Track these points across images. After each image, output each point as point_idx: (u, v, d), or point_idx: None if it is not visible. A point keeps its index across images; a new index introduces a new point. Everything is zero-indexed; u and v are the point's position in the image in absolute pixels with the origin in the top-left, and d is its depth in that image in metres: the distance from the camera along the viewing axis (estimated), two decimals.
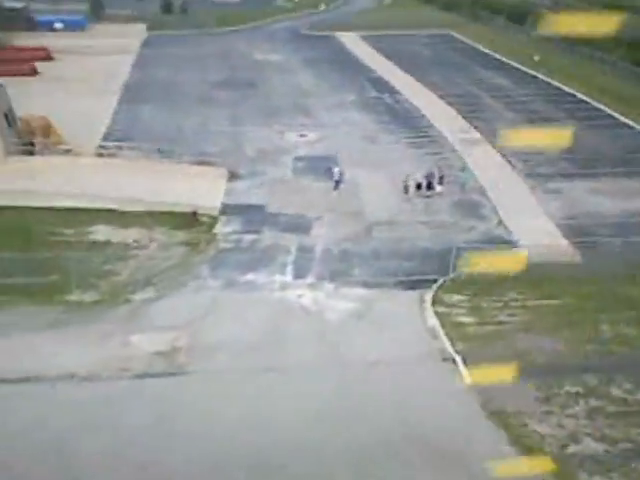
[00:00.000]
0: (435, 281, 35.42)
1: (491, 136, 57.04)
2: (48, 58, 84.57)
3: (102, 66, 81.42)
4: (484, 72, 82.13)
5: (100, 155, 50.96)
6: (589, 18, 10.91)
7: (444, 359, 29.09)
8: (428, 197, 46.20)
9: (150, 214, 42.53)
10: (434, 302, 33.58)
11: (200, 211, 42.92)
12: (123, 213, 42.63)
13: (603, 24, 10.37)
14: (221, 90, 72.95)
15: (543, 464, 22.09)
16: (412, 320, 32.12)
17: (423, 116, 64.07)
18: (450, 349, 29.65)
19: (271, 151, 54.49)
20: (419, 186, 46.57)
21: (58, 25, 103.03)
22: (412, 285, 35.23)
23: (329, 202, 45.26)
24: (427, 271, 36.44)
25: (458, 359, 28.84)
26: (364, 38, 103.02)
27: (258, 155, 53.56)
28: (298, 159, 52.94)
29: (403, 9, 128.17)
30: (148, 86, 73.91)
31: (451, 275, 35.86)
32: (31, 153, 50.54)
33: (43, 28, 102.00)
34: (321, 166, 50.16)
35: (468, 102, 68.19)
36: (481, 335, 30.66)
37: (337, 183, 47.08)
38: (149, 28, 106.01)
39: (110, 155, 50.97)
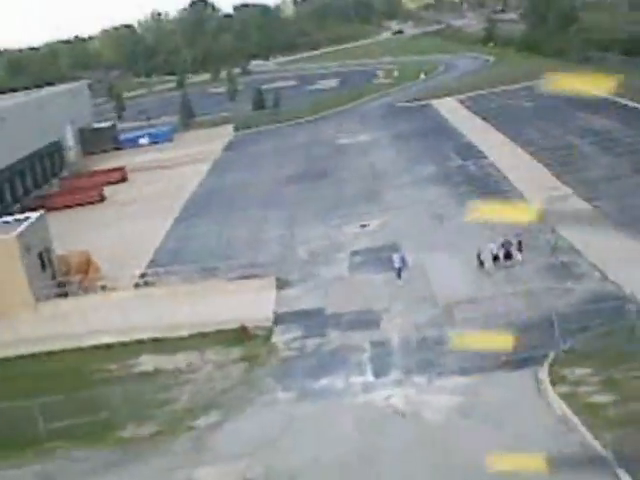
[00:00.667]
0: (545, 355, 29.36)
1: (582, 189, 51.36)
2: (123, 179, 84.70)
3: (174, 180, 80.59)
4: (586, 117, 75.36)
5: (137, 286, 47.81)
6: None
7: (593, 460, 22.36)
8: (508, 267, 41.26)
9: (198, 336, 39.03)
10: (553, 381, 27.51)
11: (251, 324, 38.91)
12: (168, 340, 39.46)
13: None
14: (290, 185, 69.86)
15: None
16: (533, 408, 26.51)
17: (505, 178, 58.62)
18: (597, 445, 23.03)
19: (325, 249, 50.35)
20: (496, 258, 41.70)
21: (143, 141, 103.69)
22: (519, 364, 29.33)
23: (394, 292, 40.96)
24: (532, 345, 29.85)
25: (613, 460, 21.97)
26: (462, 101, 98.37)
27: (311, 256, 49.51)
28: (355, 253, 48.55)
29: (508, 65, 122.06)
30: (213, 195, 71.98)
31: (564, 346, 29.70)
32: (66, 294, 48.03)
33: (129, 145, 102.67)
34: (382, 257, 45.51)
35: (563, 154, 61.84)
36: (630, 418, 23.80)
37: (399, 270, 42.51)
38: (237, 128, 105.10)
39: (148, 284, 47.94)
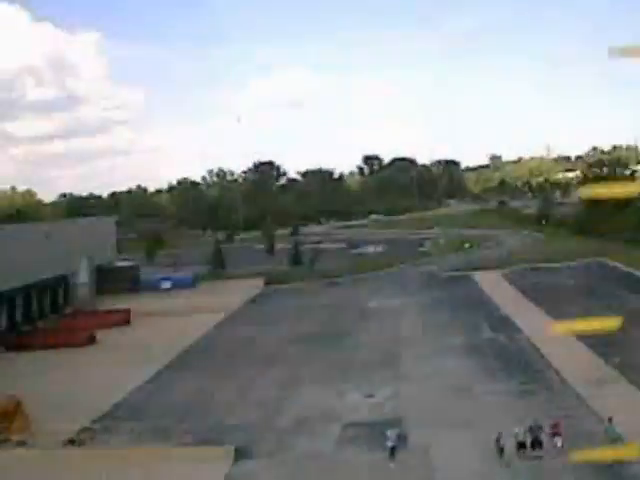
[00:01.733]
0: None
1: (631, 372, 42.85)
2: (126, 322, 76.96)
3: (180, 328, 72.16)
4: (633, 297, 67.43)
5: (70, 443, 38.64)
6: None
7: None
8: (537, 458, 32.17)
9: None
10: None
11: None
12: None
13: None
14: (301, 344, 60.92)
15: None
16: None
17: (542, 357, 49.21)
18: None
19: (315, 418, 41.25)
20: (522, 445, 32.54)
21: (165, 285, 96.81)
22: None
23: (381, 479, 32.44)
24: None
25: None
26: (504, 275, 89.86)
27: (295, 425, 40.52)
28: (349, 426, 39.41)
29: (557, 244, 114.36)
30: (213, 348, 63.39)
31: None
32: None
33: (150, 288, 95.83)
34: (379, 432, 35.99)
35: (605, 335, 51.18)
36: None
37: (392, 450, 33.66)
38: (268, 282, 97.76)
39: (79, 444, 38.52)
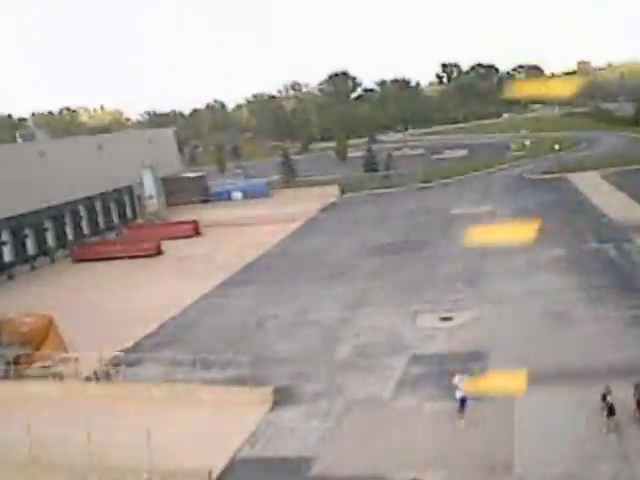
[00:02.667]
0: None
1: None
2: (195, 233, 70.53)
3: (250, 239, 65.48)
4: None
5: (93, 378, 32.00)
6: None
7: None
8: None
9: None
10: None
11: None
12: None
13: None
14: (375, 257, 53.00)
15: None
16: None
17: None
18: None
19: (378, 348, 33.52)
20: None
21: (237, 195, 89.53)
22: None
23: (446, 442, 23.76)
24: None
25: None
26: (604, 176, 78.77)
27: (352, 356, 32.92)
28: (417, 360, 31.37)
29: None
30: (281, 260, 56.34)
31: None
32: None
33: (221, 198, 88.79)
34: (456, 370, 27.48)
35: None
36: None
37: (463, 403, 25.12)
38: (344, 190, 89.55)
39: (108, 376, 31.86)
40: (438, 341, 33.44)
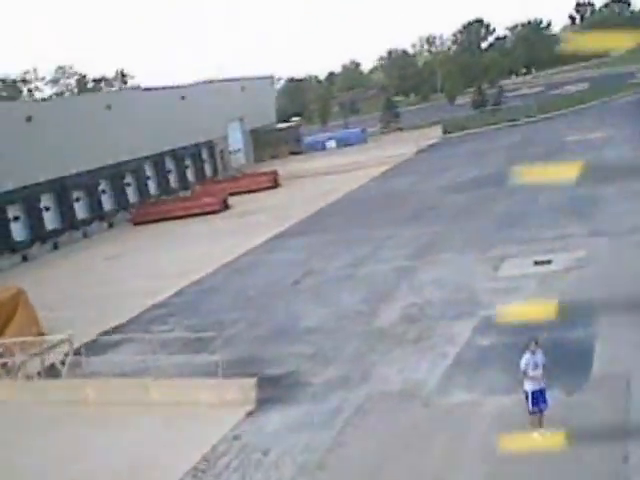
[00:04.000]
0: None
1: None
2: (274, 185, 60.73)
3: (327, 187, 54.62)
4: None
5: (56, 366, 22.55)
6: None
7: None
8: None
9: None
10: None
11: None
12: None
13: None
14: (462, 193, 41.53)
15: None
16: None
17: None
18: None
19: (439, 308, 22.81)
20: None
21: (331, 143, 79.14)
22: None
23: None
24: None
25: None
26: None
27: (399, 323, 22.15)
28: (487, 326, 20.25)
29: None
30: (350, 206, 45.69)
31: None
32: None
33: (315, 149, 78.73)
34: (542, 342, 15.68)
35: None
36: None
37: (535, 398, 14.23)
38: (447, 130, 77.22)
39: (70, 366, 22.23)
40: (524, 295, 22.17)
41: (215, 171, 71.95)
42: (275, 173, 62.51)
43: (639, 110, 67.13)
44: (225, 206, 53.54)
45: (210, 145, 71.19)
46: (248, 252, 36.10)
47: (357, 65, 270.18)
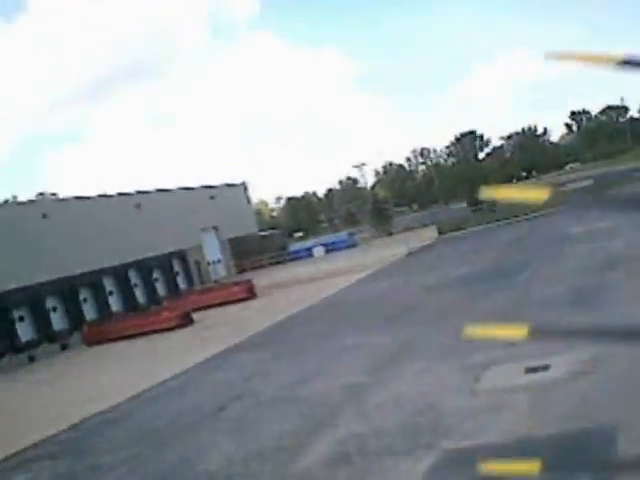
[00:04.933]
0: None
1: None
2: (248, 296, 54.43)
3: (300, 296, 48.28)
4: None
5: None
6: None
7: None
8: None
9: None
10: None
11: None
12: None
13: None
14: (446, 291, 34.72)
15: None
16: None
17: None
18: None
19: (388, 438, 15.47)
20: None
21: (319, 250, 73.49)
22: None
23: None
24: None
25: None
26: None
27: (327, 463, 14.83)
28: (450, 463, 13.16)
29: None
30: (323, 312, 39.27)
31: None
32: None
33: (301, 256, 73.07)
34: None
35: None
36: None
37: None
38: (442, 230, 71.98)
39: None
40: (508, 416, 15.43)
41: (191, 283, 66.04)
42: (250, 283, 56.33)
43: None
44: (189, 320, 47.27)
45: (182, 255, 65.48)
46: (183, 372, 29.22)
47: (355, 181, 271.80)
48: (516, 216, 69.71)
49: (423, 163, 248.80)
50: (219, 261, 71.68)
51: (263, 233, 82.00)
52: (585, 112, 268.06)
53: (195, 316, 48.75)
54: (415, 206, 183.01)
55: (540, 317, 23.60)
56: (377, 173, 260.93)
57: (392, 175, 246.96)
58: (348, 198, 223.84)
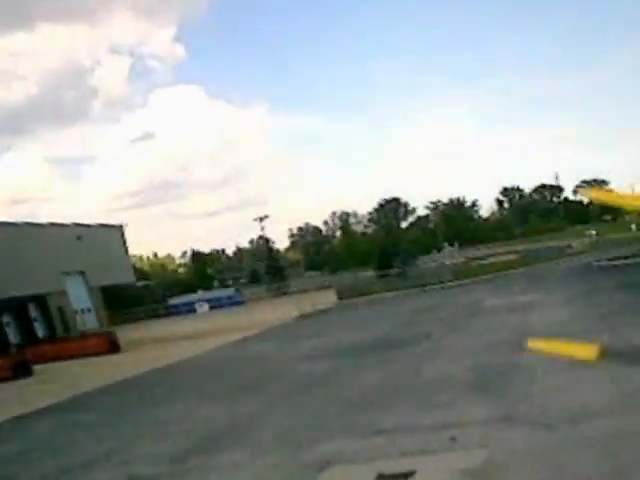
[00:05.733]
0: None
1: None
2: (108, 350, 49.02)
3: (158, 355, 43.09)
4: None
5: None
6: None
7: None
8: None
9: None
10: None
11: None
12: None
13: None
14: (322, 361, 29.15)
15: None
16: None
17: None
18: None
19: None
20: None
21: (202, 306, 67.73)
22: None
23: None
24: None
25: None
26: None
27: None
28: None
29: None
30: (173, 377, 33.93)
31: None
32: None
33: (182, 311, 67.03)
34: None
35: None
36: None
37: None
38: (342, 295, 67.56)
39: None
40: None
41: (52, 332, 59.54)
42: (112, 336, 50.87)
43: (577, 274, 57.75)
44: (26, 371, 41.58)
45: (41, 300, 58.87)
46: None
47: (267, 241, 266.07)
48: (426, 285, 65.62)
49: (341, 227, 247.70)
50: (89, 310, 65.03)
51: (139, 284, 75.50)
52: (518, 189, 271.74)
53: (42, 367, 43.58)
54: (327, 271, 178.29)
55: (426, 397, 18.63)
56: (292, 235, 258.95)
57: (308, 238, 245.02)
58: (258, 258, 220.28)
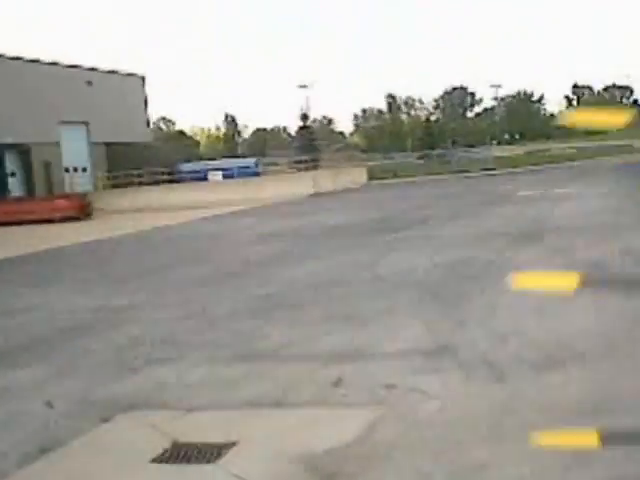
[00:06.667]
0: None
1: None
2: (77, 215, 43.67)
3: (147, 224, 38.06)
4: None
5: None
6: None
7: None
8: None
9: None
10: None
11: None
12: None
13: None
14: (335, 239, 23.57)
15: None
16: None
17: None
18: None
19: None
20: None
21: (214, 175, 61.24)
22: None
23: None
24: None
25: None
26: None
27: None
28: None
29: None
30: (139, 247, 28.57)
31: None
32: None
33: (193, 178, 60.61)
34: None
35: None
36: None
37: None
38: (373, 176, 62.64)
39: None
40: None
41: (31, 190, 52.68)
42: (83, 199, 46.01)
43: (629, 172, 51.06)
44: None
45: (23, 151, 51.99)
46: None
47: (329, 121, 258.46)
48: (465, 171, 59.58)
49: (407, 113, 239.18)
50: (84, 170, 58.77)
51: (150, 143, 67.76)
52: (588, 87, 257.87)
53: None
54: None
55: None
56: (356, 117, 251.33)
57: (371, 121, 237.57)
58: (320, 138, 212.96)
